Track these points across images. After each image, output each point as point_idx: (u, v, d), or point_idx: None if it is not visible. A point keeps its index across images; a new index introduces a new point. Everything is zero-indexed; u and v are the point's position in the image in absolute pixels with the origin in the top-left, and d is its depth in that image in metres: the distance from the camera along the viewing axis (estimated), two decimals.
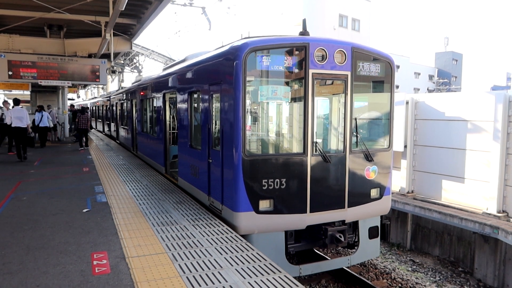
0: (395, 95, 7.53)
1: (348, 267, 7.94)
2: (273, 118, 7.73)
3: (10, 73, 16.49)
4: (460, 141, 9.84)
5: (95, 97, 42.35)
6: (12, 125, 13.62)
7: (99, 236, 5.82)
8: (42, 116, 18.35)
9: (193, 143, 8.42)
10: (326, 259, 8.18)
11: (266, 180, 6.20)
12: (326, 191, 6.59)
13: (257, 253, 5.23)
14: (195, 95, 8.33)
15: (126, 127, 17.79)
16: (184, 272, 4.57)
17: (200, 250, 5.28)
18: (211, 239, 5.72)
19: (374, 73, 7.03)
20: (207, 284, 4.26)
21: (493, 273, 8.71)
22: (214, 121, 7.17)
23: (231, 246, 5.46)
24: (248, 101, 6.35)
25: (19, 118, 13.65)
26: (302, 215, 6.42)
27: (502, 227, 8.23)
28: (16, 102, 14.31)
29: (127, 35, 19.75)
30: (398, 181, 11.19)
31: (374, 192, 7.13)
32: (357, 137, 6.88)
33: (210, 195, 7.26)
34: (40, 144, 18.79)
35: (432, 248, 10.32)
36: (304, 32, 6.78)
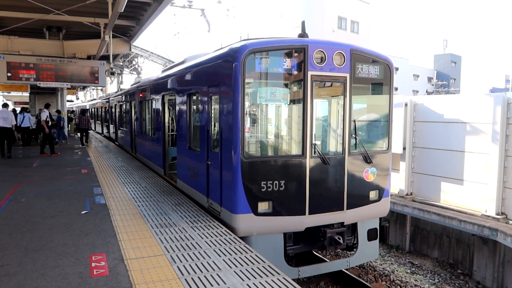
0: (394, 97, 7.54)
1: (347, 269, 7.93)
2: (272, 120, 7.73)
3: (9, 74, 16.52)
4: (459, 143, 9.85)
5: (94, 99, 42.34)
6: None
7: (98, 238, 5.80)
8: (24, 117, 18.89)
9: (192, 145, 8.42)
10: (325, 261, 8.17)
11: (265, 182, 6.19)
12: (325, 193, 6.59)
13: (255, 255, 5.22)
14: (194, 97, 8.33)
15: (125, 129, 17.79)
16: (182, 274, 4.56)
17: (199, 252, 5.27)
18: (210, 241, 5.71)
19: (373, 75, 7.04)
20: (205, 286, 4.25)
21: (492, 275, 8.71)
22: (213, 123, 7.17)
23: (229, 248, 5.45)
24: (247, 103, 6.34)
25: (4, 118, 14.78)
26: (301, 217, 6.41)
27: (501, 229, 8.24)
28: (4, 104, 16.08)
29: (126, 36, 19.78)
30: (397, 183, 11.19)
31: (373, 194, 7.13)
32: (356, 139, 6.88)
33: (209, 197, 7.25)
34: (22, 143, 19.77)
35: (431, 250, 10.32)
36: (303, 34, 6.79)
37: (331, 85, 7.01)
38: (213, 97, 7.07)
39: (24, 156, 15.47)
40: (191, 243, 5.61)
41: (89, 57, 18.73)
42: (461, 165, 9.82)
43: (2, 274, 4.55)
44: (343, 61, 6.57)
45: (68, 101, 31.94)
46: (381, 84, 7.36)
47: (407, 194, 11.05)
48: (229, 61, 6.26)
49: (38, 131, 16.08)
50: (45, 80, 17.27)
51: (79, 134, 20.82)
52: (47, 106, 17.36)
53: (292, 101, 6.93)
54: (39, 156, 15.26)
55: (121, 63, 34.13)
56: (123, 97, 18.14)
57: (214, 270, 4.70)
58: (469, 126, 9.65)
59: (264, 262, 4.98)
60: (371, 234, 7.34)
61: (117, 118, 20.31)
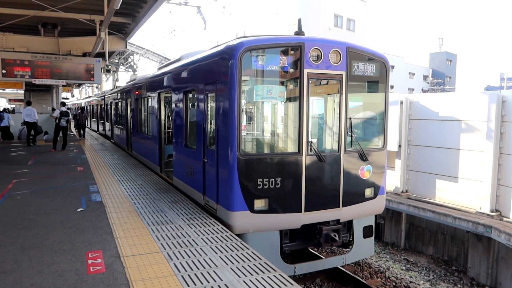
0: (389, 95, 7.56)
1: (342, 266, 7.98)
2: (268, 118, 7.74)
3: (3, 71, 16.41)
4: (454, 141, 9.91)
5: (90, 96, 42.16)
6: (25, 120, 17.71)
7: (94, 235, 5.80)
8: (2, 116, 20.40)
9: (188, 142, 8.42)
10: (321, 258, 8.21)
11: (261, 180, 6.21)
12: (321, 191, 6.61)
13: (252, 252, 5.24)
14: (190, 95, 8.32)
15: (121, 126, 17.75)
16: (179, 271, 4.57)
17: (195, 249, 5.29)
18: (206, 238, 5.73)
19: (369, 73, 7.06)
20: (202, 283, 4.27)
21: (486, 271, 8.79)
22: (209, 121, 7.17)
23: (226, 245, 5.47)
24: (243, 101, 6.35)
25: (28, 115, 17.57)
26: (297, 214, 6.44)
27: (495, 226, 8.30)
28: (28, 103, 18.75)
29: (122, 34, 19.69)
30: (393, 180, 11.25)
31: (368, 192, 7.16)
32: (351, 136, 6.91)
33: (205, 194, 7.26)
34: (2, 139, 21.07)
35: (426, 247, 10.39)
36: (299, 32, 6.80)
37: (327, 83, 7.03)
38: (209, 95, 7.07)
39: (14, 152, 15.42)
40: (188, 240, 5.63)
41: (84, 54, 18.63)
42: (456, 163, 9.88)
43: None
44: (339, 59, 6.59)
45: (63, 98, 31.80)
46: (377, 82, 7.38)
47: (402, 192, 11.11)
48: (226, 58, 6.26)
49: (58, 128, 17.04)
50: (40, 77, 17.18)
51: (76, 128, 22.95)
52: (63, 103, 17.87)
53: (288, 99, 6.95)
54: (33, 154, 15.21)
55: (117, 61, 34.00)
56: (119, 94, 18.09)
57: (210, 267, 4.71)
58: (464, 124, 9.71)
59: (260, 259, 5.00)
60: (367, 231, 7.38)
61: (112, 116, 20.26)
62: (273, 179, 6.27)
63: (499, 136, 8.99)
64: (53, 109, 22.12)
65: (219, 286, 4.22)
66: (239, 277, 4.46)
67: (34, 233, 5.89)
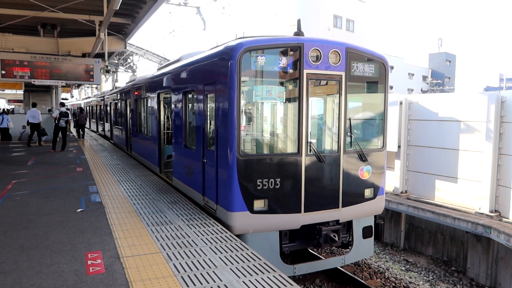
0: (389, 95, 7.57)
1: (342, 267, 7.98)
2: (267, 118, 7.75)
3: (3, 72, 16.44)
4: (453, 142, 9.92)
5: (89, 97, 42.16)
6: (29, 121, 17.85)
7: (93, 236, 5.80)
8: (2, 118, 20.36)
9: (188, 143, 8.42)
10: (320, 258, 8.21)
11: (260, 180, 6.21)
12: (320, 191, 6.62)
13: (251, 252, 5.24)
14: (190, 95, 8.33)
15: (120, 127, 17.75)
16: (178, 272, 4.57)
17: (195, 249, 5.29)
18: (206, 238, 5.73)
19: (368, 73, 7.07)
20: (201, 284, 4.27)
21: (485, 272, 8.79)
22: (208, 121, 7.17)
23: (225, 245, 5.47)
24: (242, 101, 6.35)
25: (33, 116, 17.73)
26: (296, 215, 6.44)
27: (495, 227, 8.31)
28: (34, 104, 18.88)
29: (122, 34, 19.73)
30: (392, 181, 11.25)
31: (368, 192, 7.17)
32: (351, 137, 6.91)
33: (205, 195, 7.26)
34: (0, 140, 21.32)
35: (426, 248, 10.39)
36: (299, 33, 6.81)
37: (326, 84, 7.04)
38: (209, 95, 7.07)
39: (12, 153, 15.40)
40: (187, 241, 5.63)
41: (84, 55, 18.68)
42: (455, 163, 9.89)
43: None
44: (339, 59, 6.59)
45: (62, 99, 31.81)
46: (376, 82, 7.39)
47: (402, 192, 11.12)
48: (225, 59, 6.27)
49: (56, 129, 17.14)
50: (40, 78, 17.22)
51: (75, 128, 23.20)
52: (62, 104, 17.85)
53: (288, 99, 6.95)
54: (33, 154, 15.20)
55: (116, 61, 34.02)
56: (118, 95, 18.09)
57: (210, 267, 4.72)
58: (463, 125, 9.72)
59: (260, 259, 5.00)
60: (366, 232, 7.39)
61: (112, 116, 20.26)
62: (272, 180, 6.27)
63: (498, 137, 9.00)
64: (50, 110, 22.21)
65: (218, 286, 4.22)
66: (239, 277, 4.46)
67: (33, 234, 5.88)
